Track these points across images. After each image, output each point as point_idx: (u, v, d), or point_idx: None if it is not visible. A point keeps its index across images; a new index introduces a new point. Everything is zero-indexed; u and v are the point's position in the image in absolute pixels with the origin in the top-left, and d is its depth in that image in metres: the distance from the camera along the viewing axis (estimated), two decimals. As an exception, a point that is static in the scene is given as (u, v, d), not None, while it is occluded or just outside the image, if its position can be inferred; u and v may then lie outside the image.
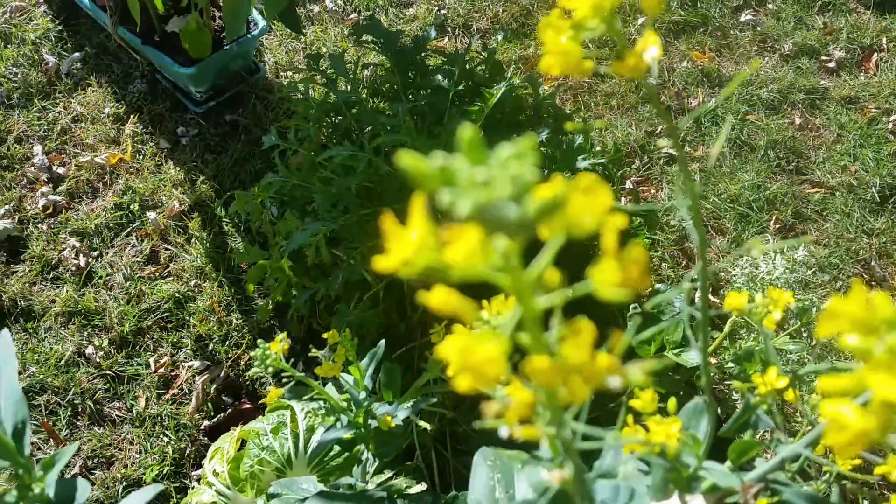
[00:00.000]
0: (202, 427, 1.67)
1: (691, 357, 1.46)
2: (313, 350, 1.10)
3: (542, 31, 0.48)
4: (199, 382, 1.71)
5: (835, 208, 2.04)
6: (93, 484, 1.59)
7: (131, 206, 1.98)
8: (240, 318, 1.83)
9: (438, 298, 0.34)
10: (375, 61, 2.18)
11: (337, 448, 1.30)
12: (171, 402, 1.71)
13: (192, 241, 1.94)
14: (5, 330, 0.86)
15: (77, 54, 2.27)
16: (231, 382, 1.75)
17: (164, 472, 1.61)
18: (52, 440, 1.63)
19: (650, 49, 0.52)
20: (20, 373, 1.68)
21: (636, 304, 1.59)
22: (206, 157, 2.09)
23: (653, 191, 2.07)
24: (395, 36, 1.69)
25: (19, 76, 2.22)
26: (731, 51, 2.39)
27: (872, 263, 1.95)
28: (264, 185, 1.63)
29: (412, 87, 1.70)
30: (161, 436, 1.66)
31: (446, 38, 2.39)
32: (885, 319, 0.36)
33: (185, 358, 1.77)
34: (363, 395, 1.06)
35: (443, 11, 2.45)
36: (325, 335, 1.06)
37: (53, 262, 1.89)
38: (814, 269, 1.92)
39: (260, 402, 1.71)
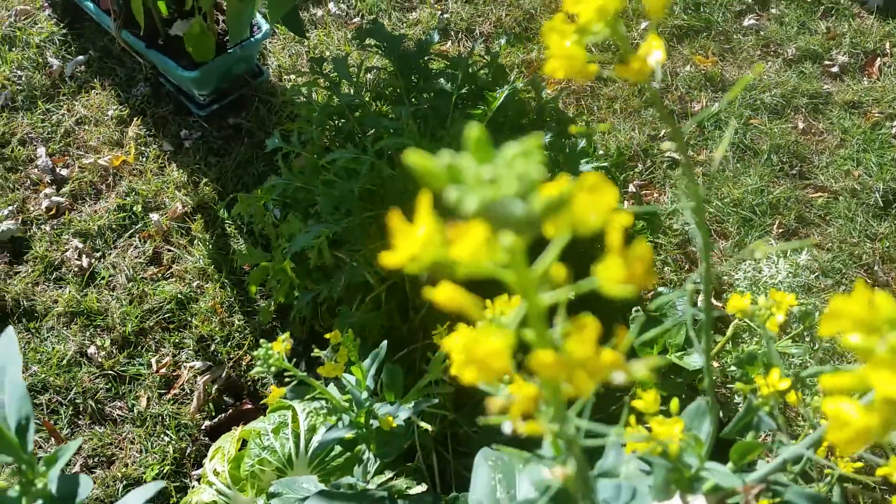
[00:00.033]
0: (203, 427, 1.68)
1: (693, 360, 1.46)
2: (316, 350, 1.10)
3: (546, 35, 0.49)
4: (200, 383, 1.71)
5: (838, 213, 2.04)
6: (93, 482, 1.59)
7: (134, 208, 1.99)
8: (242, 319, 1.83)
9: (444, 294, 0.34)
10: (378, 65, 2.18)
11: (338, 448, 1.30)
12: (172, 401, 1.71)
13: (195, 242, 1.94)
14: (10, 327, 0.86)
15: (81, 57, 2.28)
16: (232, 383, 1.75)
17: (165, 471, 1.61)
18: (53, 439, 1.63)
19: (654, 53, 0.52)
20: (22, 372, 1.68)
21: (638, 308, 1.59)
22: (210, 159, 2.09)
23: (656, 194, 2.07)
24: (399, 40, 1.69)
25: (23, 79, 2.22)
26: (735, 55, 2.39)
27: (875, 268, 1.94)
28: (267, 187, 1.63)
29: (415, 90, 1.70)
30: (162, 435, 1.66)
31: (449, 43, 2.39)
32: (888, 319, 0.36)
33: (187, 358, 1.77)
34: (365, 395, 1.06)
35: (446, 16, 2.46)
36: (327, 335, 1.06)
37: (56, 262, 1.89)
38: (817, 274, 1.92)
39: (261, 402, 1.71)
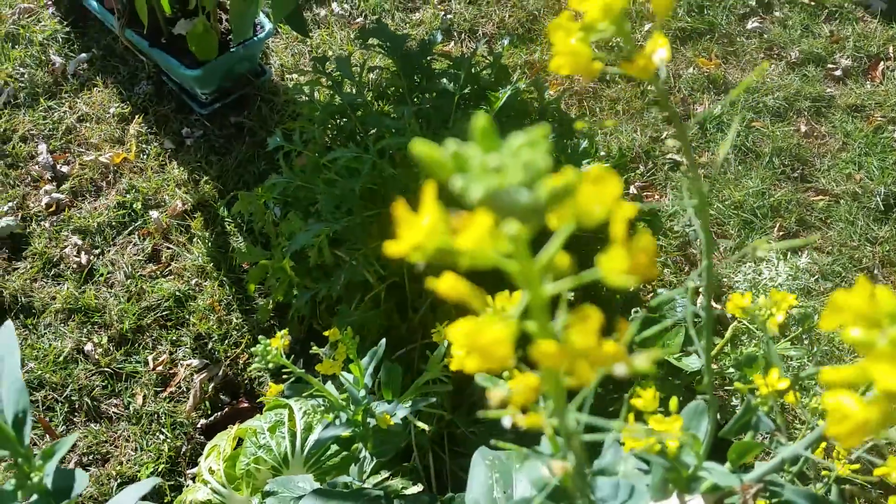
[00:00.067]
0: (199, 425, 1.67)
1: (692, 362, 1.45)
2: (314, 347, 1.09)
3: (552, 32, 0.49)
4: (197, 381, 1.71)
5: (839, 216, 2.04)
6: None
7: (134, 205, 1.98)
8: (240, 317, 1.82)
9: (447, 284, 0.34)
10: (381, 64, 2.18)
11: (334, 448, 1.29)
12: (168, 399, 1.70)
13: (194, 240, 1.94)
14: (8, 321, 0.86)
15: (84, 55, 2.28)
16: (229, 381, 1.74)
17: (160, 469, 1.61)
18: (48, 436, 1.63)
19: (659, 51, 0.52)
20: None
21: (637, 309, 1.58)
22: (211, 157, 2.09)
23: (657, 196, 2.07)
24: (402, 39, 1.69)
25: (26, 76, 2.22)
26: (738, 58, 2.39)
27: (876, 272, 1.94)
28: (268, 185, 1.63)
29: (417, 90, 1.70)
30: (157, 433, 1.66)
31: (452, 43, 2.39)
32: (888, 313, 0.37)
33: (184, 356, 1.76)
34: (363, 393, 1.06)
35: (449, 16, 2.46)
36: (326, 332, 1.06)
37: (55, 259, 1.89)
38: (816, 277, 1.91)
39: (257, 401, 1.70)
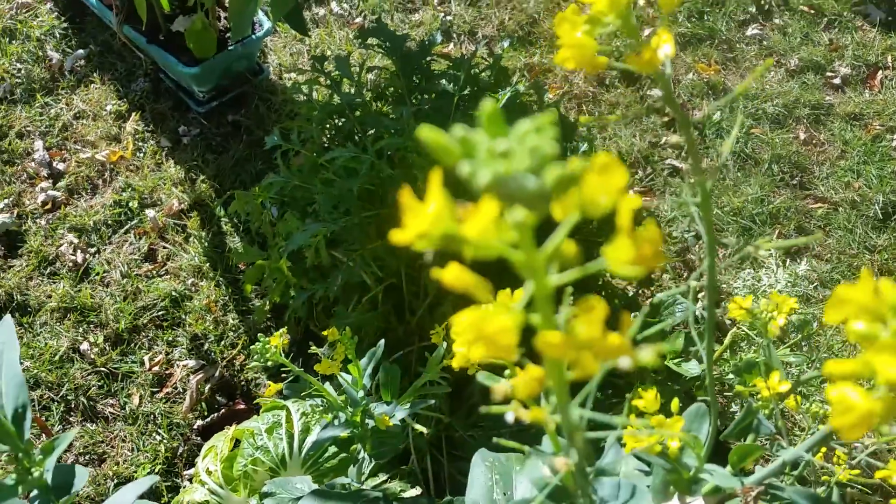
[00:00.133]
0: (195, 426, 1.66)
1: (691, 367, 1.45)
2: (313, 347, 1.08)
3: (558, 25, 0.49)
4: (193, 382, 1.70)
5: (838, 224, 2.04)
6: (83, 481, 1.57)
7: (130, 204, 1.97)
8: (236, 318, 1.81)
9: (452, 274, 0.34)
10: (380, 65, 2.17)
11: (332, 450, 1.29)
12: (164, 400, 1.69)
13: (191, 240, 1.93)
14: (7, 316, 0.85)
15: (81, 51, 2.26)
16: (226, 382, 1.73)
17: (156, 470, 1.59)
18: (44, 435, 1.61)
19: (664, 46, 0.52)
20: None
21: (636, 314, 1.58)
22: (207, 156, 2.08)
23: (656, 202, 2.07)
24: (401, 39, 1.68)
25: (23, 72, 2.21)
26: (738, 64, 2.39)
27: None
28: (265, 185, 1.62)
29: (417, 90, 1.69)
30: (154, 434, 1.64)
31: (452, 45, 2.39)
32: (892, 306, 0.37)
33: (180, 357, 1.75)
34: (361, 394, 1.05)
35: (449, 18, 2.45)
36: (324, 332, 1.05)
37: (51, 257, 1.87)
38: (815, 284, 1.91)
39: (254, 402, 1.69)
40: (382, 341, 1.10)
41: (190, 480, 1.54)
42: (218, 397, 1.71)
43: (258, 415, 1.45)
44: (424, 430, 1.22)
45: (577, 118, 2.20)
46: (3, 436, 0.76)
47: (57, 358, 1.71)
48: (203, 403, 1.69)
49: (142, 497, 0.81)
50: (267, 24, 2.09)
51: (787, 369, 1.68)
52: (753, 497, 0.71)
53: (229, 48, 2.03)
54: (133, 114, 2.14)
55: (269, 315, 1.78)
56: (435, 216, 0.32)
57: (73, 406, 1.67)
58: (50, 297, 1.80)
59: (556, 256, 0.34)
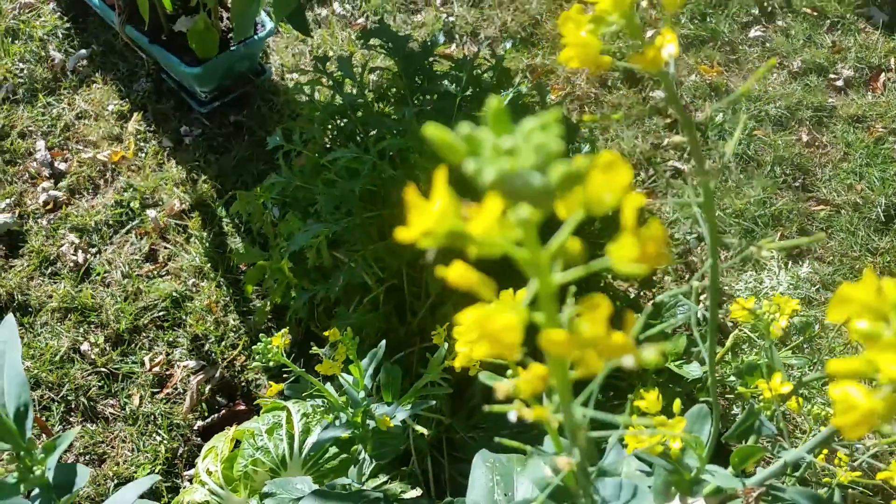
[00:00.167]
0: (195, 427, 1.66)
1: (692, 369, 1.45)
2: (314, 348, 1.08)
3: (562, 24, 0.49)
4: (193, 382, 1.69)
5: (840, 226, 2.03)
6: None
7: (131, 204, 1.97)
8: (237, 319, 1.81)
9: (457, 273, 0.34)
10: (382, 65, 2.17)
11: (332, 450, 1.28)
12: (164, 401, 1.69)
13: (192, 240, 1.93)
14: (10, 315, 0.85)
15: (83, 51, 2.26)
16: (226, 383, 1.73)
17: (156, 471, 1.59)
18: (44, 435, 1.61)
19: (668, 45, 0.52)
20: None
21: (638, 316, 1.57)
22: (209, 157, 2.08)
23: (658, 204, 2.06)
24: (404, 40, 1.68)
25: (25, 72, 2.21)
26: (740, 66, 2.38)
27: (877, 282, 1.93)
28: (267, 185, 1.62)
29: (419, 91, 1.69)
30: (154, 435, 1.64)
31: (454, 45, 2.39)
32: (895, 305, 0.37)
33: (181, 357, 1.75)
34: (362, 394, 1.05)
35: (451, 19, 2.45)
36: (326, 333, 1.05)
37: (52, 257, 1.87)
38: (817, 287, 1.91)
39: (255, 403, 1.69)
40: (384, 342, 1.10)
41: (190, 481, 1.54)
42: (218, 398, 1.71)
43: (259, 415, 1.45)
44: (425, 431, 1.22)
45: (579, 119, 2.20)
46: (5, 434, 0.76)
47: (57, 358, 1.71)
48: (203, 404, 1.68)
49: (142, 497, 0.81)
50: (269, 25, 2.09)
51: (789, 371, 1.67)
52: (755, 498, 0.71)
53: (231, 48, 2.03)
54: (135, 114, 2.14)
55: (270, 316, 1.78)
56: (440, 214, 0.32)
57: (73, 406, 1.67)
58: (51, 297, 1.80)
59: (560, 254, 0.34)
